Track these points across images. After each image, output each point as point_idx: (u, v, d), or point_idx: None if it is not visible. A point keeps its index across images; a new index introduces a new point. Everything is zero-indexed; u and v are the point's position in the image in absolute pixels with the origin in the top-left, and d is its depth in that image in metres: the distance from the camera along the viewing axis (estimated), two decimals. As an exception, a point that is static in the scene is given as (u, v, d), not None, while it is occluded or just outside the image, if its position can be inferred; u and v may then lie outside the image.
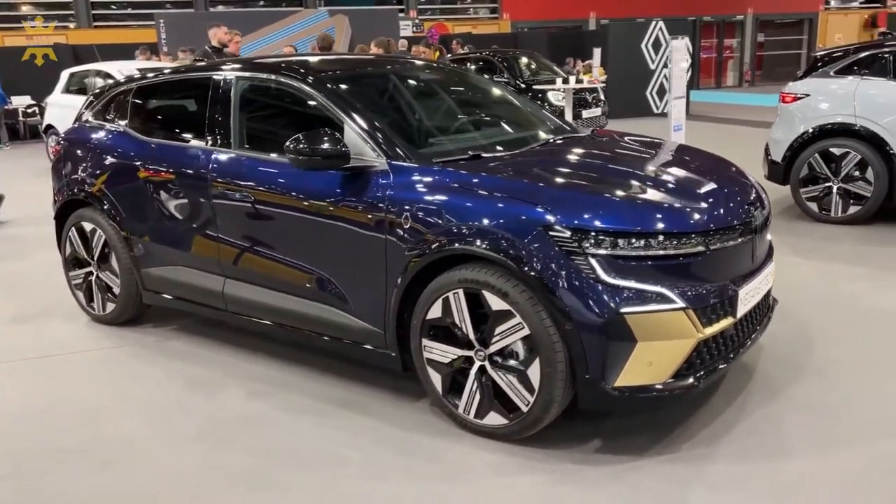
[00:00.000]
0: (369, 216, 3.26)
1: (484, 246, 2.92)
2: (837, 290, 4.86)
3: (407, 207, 3.15)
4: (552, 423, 3.02)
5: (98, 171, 4.43)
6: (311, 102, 3.66)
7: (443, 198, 3.10)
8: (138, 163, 4.22)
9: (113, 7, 21.26)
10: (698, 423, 3.19)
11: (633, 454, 2.98)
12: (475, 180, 3.13)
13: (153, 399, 3.69)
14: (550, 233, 2.82)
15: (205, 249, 3.96)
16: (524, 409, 2.97)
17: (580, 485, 2.80)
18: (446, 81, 4.52)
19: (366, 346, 3.45)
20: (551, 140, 3.86)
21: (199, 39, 15.08)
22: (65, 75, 11.84)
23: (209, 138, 3.92)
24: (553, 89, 12.62)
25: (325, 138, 3.28)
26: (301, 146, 3.28)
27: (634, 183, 3.17)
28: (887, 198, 6.14)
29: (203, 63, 5.36)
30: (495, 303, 2.94)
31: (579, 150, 3.73)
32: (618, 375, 2.80)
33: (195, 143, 4.01)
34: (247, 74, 3.93)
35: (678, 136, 8.17)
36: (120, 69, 10.61)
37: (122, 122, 4.47)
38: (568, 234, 2.80)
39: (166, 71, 4.62)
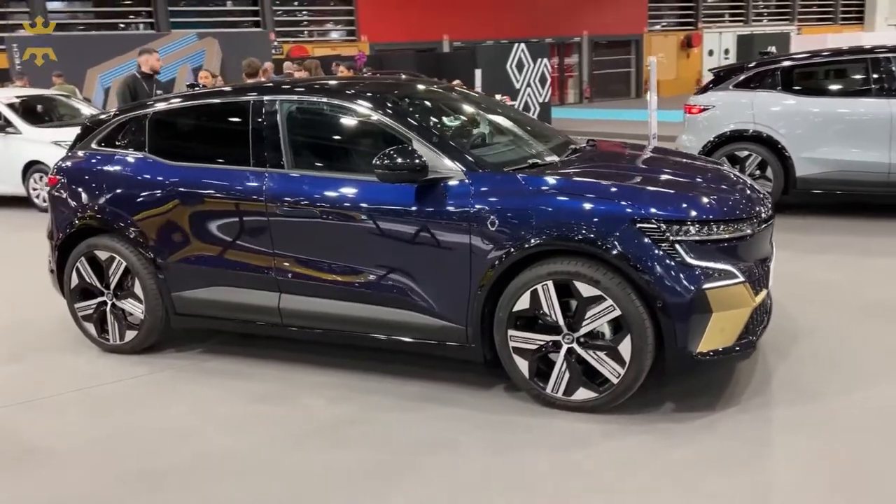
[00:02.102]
0: (453, 222, 3.58)
1: (578, 240, 3.35)
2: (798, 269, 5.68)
3: (492, 211, 3.51)
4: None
5: (118, 198, 4.39)
6: (372, 123, 3.92)
7: (529, 201, 3.49)
8: (169, 187, 4.25)
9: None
10: (740, 382, 3.77)
11: (705, 410, 3.51)
12: (557, 184, 3.55)
13: (230, 414, 3.77)
14: (639, 225, 3.30)
15: (257, 267, 4.07)
16: (615, 380, 3.42)
17: (679, 438, 3.29)
18: (468, 101, 4.86)
19: (447, 343, 3.75)
20: (584, 148, 4.33)
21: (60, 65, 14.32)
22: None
23: (258, 160, 4.04)
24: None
25: (406, 154, 3.58)
26: (388, 161, 3.55)
27: (688, 180, 3.74)
28: (784, 192, 7.20)
29: (218, 89, 5.32)
30: (586, 290, 3.37)
31: (616, 156, 4.26)
32: (699, 342, 3.33)
33: (239, 165, 4.11)
34: (297, 98, 4.11)
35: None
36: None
37: (140, 148, 4.45)
38: (655, 225, 3.30)
39: (185, 97, 4.62)
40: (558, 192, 3.51)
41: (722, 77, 7.67)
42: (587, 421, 3.47)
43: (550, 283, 3.43)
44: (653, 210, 3.33)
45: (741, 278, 3.37)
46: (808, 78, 7.32)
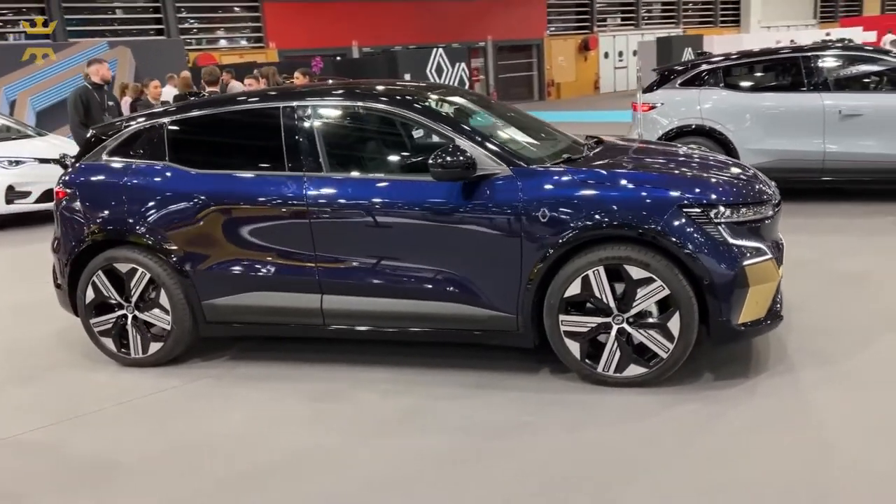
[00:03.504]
0: (503, 216, 3.77)
1: (630, 227, 3.61)
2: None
3: (542, 204, 3.72)
4: (677, 365, 3.79)
5: (140, 209, 4.32)
6: (410, 124, 4.06)
7: (579, 192, 3.73)
8: (198, 196, 4.22)
9: None
10: (761, 352, 4.14)
11: (741, 378, 3.84)
12: (602, 175, 3.81)
13: (290, 415, 3.82)
14: (685, 209, 3.60)
15: (297, 270, 4.12)
16: (664, 355, 3.70)
17: (728, 402, 3.61)
18: (481, 102, 5.03)
19: (498, 331, 3.93)
20: (600, 143, 4.59)
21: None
22: None
23: (293, 165, 4.09)
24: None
25: (457, 152, 3.74)
26: (441, 160, 3.71)
27: (715, 168, 4.08)
28: (731, 182, 7.76)
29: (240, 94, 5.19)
30: (636, 273, 3.65)
31: (634, 150, 4.56)
32: (740, 314, 3.66)
33: (272, 171, 4.15)
34: (332, 102, 4.19)
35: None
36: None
37: (159, 157, 4.39)
38: (700, 209, 3.60)
39: (208, 105, 4.58)
40: (605, 183, 3.77)
41: (667, 76, 8.19)
42: (639, 394, 3.74)
43: (602, 269, 3.68)
44: (698, 195, 3.65)
45: (770, 254, 3.73)
46: (748, 75, 7.95)
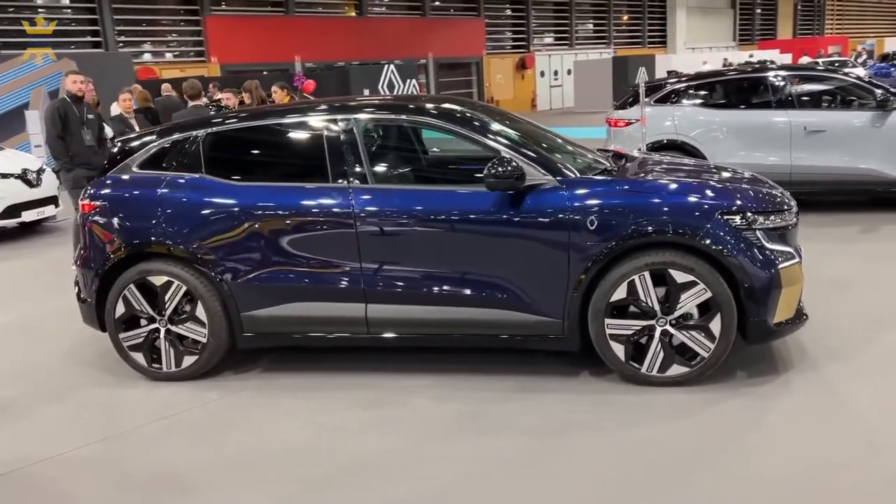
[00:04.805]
0: (551, 224, 3.93)
1: (675, 233, 3.82)
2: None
3: (590, 212, 3.89)
4: (716, 364, 4.01)
5: (176, 221, 4.28)
6: (455, 137, 4.18)
7: (625, 201, 3.92)
8: (238, 208, 4.22)
9: None
10: (781, 350, 4.40)
11: (772, 374, 4.09)
12: (646, 185, 4.02)
13: (346, 422, 3.85)
14: (726, 217, 3.84)
15: (342, 280, 4.16)
16: (706, 355, 3.91)
17: (768, 397, 3.84)
18: (509, 116, 5.14)
19: (543, 336, 4.07)
20: (626, 156, 4.80)
21: None
22: None
23: (337, 177, 4.15)
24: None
25: (508, 163, 3.89)
26: (494, 171, 3.85)
27: (743, 180, 4.33)
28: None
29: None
30: (680, 277, 3.85)
31: (660, 162, 4.78)
32: (774, 314, 3.91)
33: (315, 182, 4.19)
34: (375, 116, 4.27)
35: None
36: None
37: (194, 170, 4.37)
38: (740, 216, 3.84)
39: (240, 117, 4.59)
40: (650, 192, 3.98)
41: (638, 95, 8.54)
42: (683, 393, 3.93)
43: (647, 274, 3.87)
44: (737, 204, 3.89)
45: (798, 258, 4.00)
46: (719, 93, 8.38)
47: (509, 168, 3.88)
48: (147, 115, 10.27)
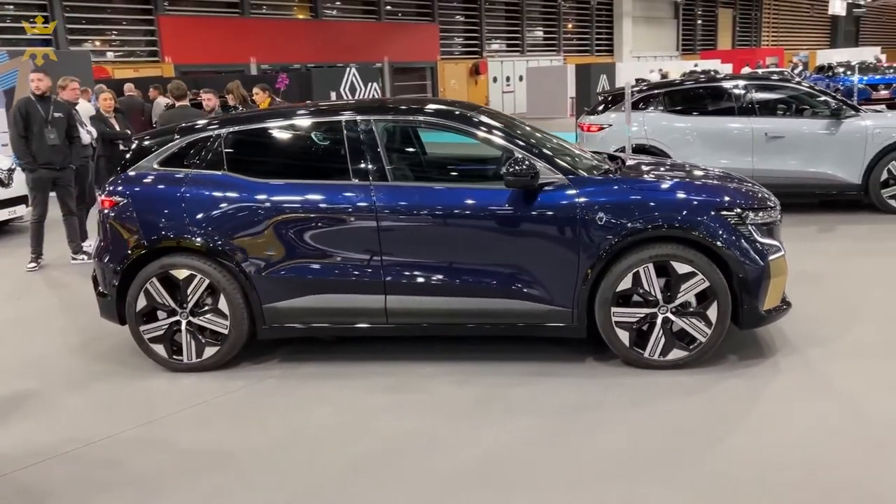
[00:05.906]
0: (563, 219, 4.23)
1: (677, 228, 4.16)
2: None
3: (600, 209, 4.21)
4: (712, 348, 4.38)
5: (200, 216, 4.44)
6: (470, 138, 4.44)
7: (632, 198, 4.24)
8: (261, 204, 4.40)
9: None
10: (764, 338, 4.79)
11: (760, 357, 4.47)
12: (650, 184, 4.35)
13: (374, 406, 4.07)
14: (722, 212, 4.20)
15: (363, 273, 4.38)
16: (703, 339, 4.27)
17: (760, 377, 4.21)
18: (515, 121, 5.41)
19: (554, 325, 4.37)
20: (624, 158, 5.13)
21: None
22: None
23: (358, 175, 4.37)
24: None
25: (523, 162, 4.18)
26: (512, 169, 4.13)
27: (734, 179, 4.70)
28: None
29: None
30: (681, 268, 4.19)
31: (665, 164, 5.14)
32: (764, 302, 4.29)
33: (336, 180, 4.41)
34: (394, 118, 4.50)
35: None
36: None
37: (216, 167, 4.53)
38: (735, 212, 4.21)
39: (262, 118, 4.75)
40: (654, 190, 4.32)
41: (612, 100, 8.96)
42: (684, 375, 4.27)
43: (651, 265, 4.20)
44: (733, 200, 4.26)
45: (783, 251, 4.39)
46: (687, 100, 8.84)
47: (525, 166, 4.16)
48: (119, 114, 10.22)
